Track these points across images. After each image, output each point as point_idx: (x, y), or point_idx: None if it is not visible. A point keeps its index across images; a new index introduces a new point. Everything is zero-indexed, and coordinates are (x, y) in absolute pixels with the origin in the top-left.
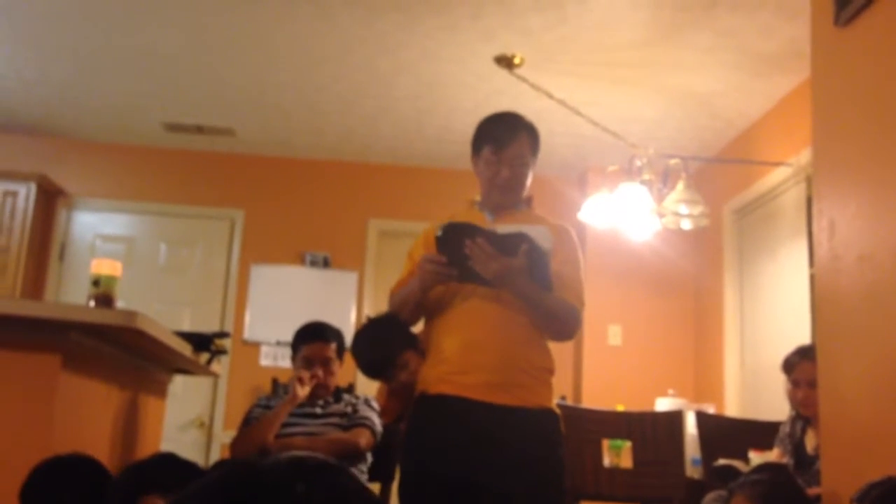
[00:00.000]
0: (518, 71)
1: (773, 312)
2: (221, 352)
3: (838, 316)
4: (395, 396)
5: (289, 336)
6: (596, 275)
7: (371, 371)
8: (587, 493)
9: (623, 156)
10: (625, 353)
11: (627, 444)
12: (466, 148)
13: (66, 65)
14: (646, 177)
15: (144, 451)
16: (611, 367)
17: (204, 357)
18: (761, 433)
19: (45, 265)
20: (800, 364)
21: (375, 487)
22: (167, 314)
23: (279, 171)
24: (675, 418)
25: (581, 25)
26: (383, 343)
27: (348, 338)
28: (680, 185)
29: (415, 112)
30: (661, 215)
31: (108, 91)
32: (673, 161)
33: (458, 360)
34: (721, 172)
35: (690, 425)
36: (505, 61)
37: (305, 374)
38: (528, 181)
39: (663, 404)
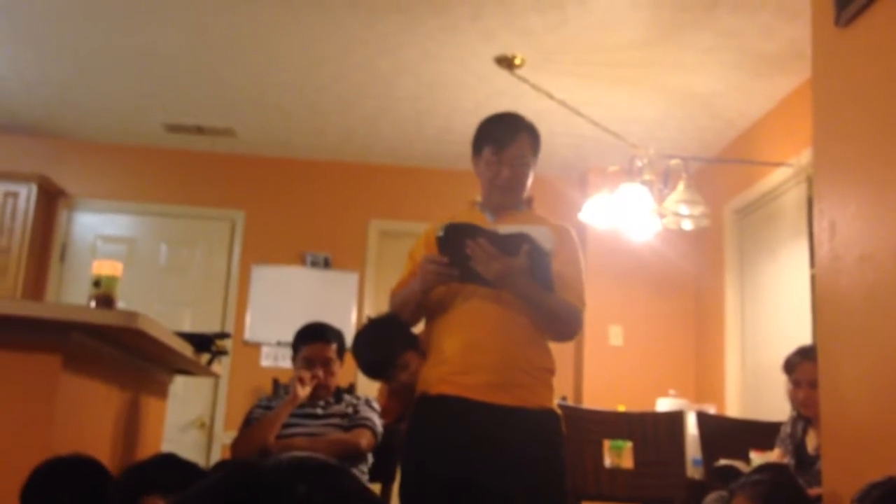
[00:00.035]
0: (518, 71)
1: (774, 313)
2: (222, 352)
3: (839, 316)
4: (396, 397)
5: (289, 337)
6: (597, 275)
7: (371, 371)
8: (588, 494)
9: (624, 156)
10: (626, 354)
11: (628, 445)
12: (467, 148)
13: (66, 66)
14: (646, 177)
15: (145, 451)
16: (612, 367)
17: (205, 358)
18: (762, 433)
19: (46, 266)
20: (801, 364)
21: (376, 488)
22: (168, 315)
23: (280, 172)
24: (676, 419)
25: (581, 26)
26: (384, 343)
27: (349, 338)
28: (680, 186)
29: (415, 112)
30: (662, 216)
31: (109, 92)
32: (673, 161)
33: (458, 361)
34: (722, 173)
35: (691, 426)
36: (505, 62)
37: (306, 375)
38: (529, 182)
39: (664, 405)
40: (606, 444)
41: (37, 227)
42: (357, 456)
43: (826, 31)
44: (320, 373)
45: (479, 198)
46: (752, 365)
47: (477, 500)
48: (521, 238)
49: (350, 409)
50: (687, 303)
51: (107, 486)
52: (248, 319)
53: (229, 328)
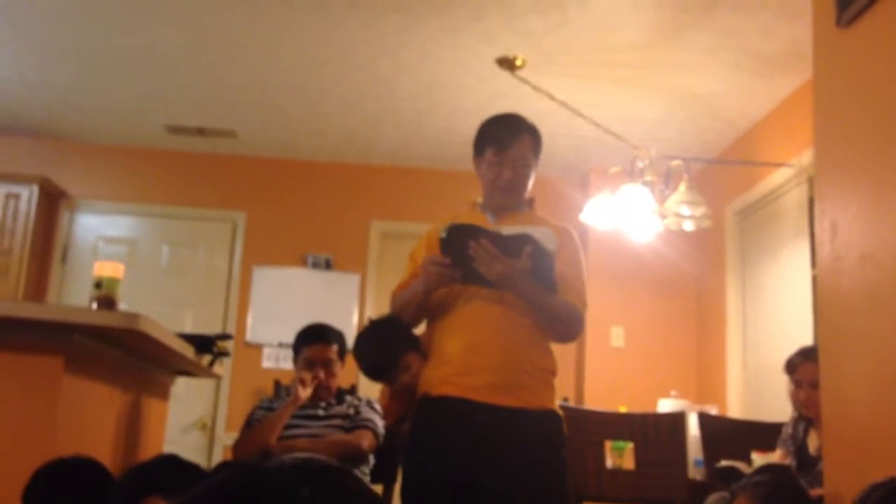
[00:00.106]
0: (520, 73)
1: (776, 313)
2: (224, 354)
3: (840, 317)
4: (398, 398)
5: (291, 338)
6: (598, 276)
7: (373, 373)
8: (589, 495)
9: (625, 157)
10: (627, 355)
11: (630, 446)
12: (468, 149)
13: (68, 67)
14: (648, 178)
15: (147, 452)
16: (613, 368)
17: (206, 359)
18: (764, 434)
19: (48, 267)
20: (802, 365)
21: (378, 489)
22: (169, 316)
23: (281, 173)
24: (678, 419)
25: (582, 27)
26: (385, 345)
27: (350, 340)
28: (682, 187)
29: (416, 114)
30: (663, 216)
31: (110, 93)
32: (675, 162)
33: (460, 362)
34: (723, 173)
35: (693, 426)
36: (506, 63)
37: (307, 376)
38: (530, 182)
39: (666, 405)
40: (608, 444)
41: (38, 228)
42: (359, 457)
43: (827, 31)
44: (321, 374)
45: (480, 199)
46: (753, 366)
47: (479, 501)
48: (524, 239)
49: (351, 411)
50: (688, 303)
51: (108, 487)
52: (249, 321)
53: (231, 329)
